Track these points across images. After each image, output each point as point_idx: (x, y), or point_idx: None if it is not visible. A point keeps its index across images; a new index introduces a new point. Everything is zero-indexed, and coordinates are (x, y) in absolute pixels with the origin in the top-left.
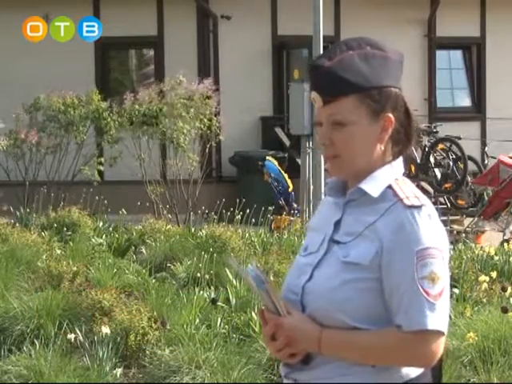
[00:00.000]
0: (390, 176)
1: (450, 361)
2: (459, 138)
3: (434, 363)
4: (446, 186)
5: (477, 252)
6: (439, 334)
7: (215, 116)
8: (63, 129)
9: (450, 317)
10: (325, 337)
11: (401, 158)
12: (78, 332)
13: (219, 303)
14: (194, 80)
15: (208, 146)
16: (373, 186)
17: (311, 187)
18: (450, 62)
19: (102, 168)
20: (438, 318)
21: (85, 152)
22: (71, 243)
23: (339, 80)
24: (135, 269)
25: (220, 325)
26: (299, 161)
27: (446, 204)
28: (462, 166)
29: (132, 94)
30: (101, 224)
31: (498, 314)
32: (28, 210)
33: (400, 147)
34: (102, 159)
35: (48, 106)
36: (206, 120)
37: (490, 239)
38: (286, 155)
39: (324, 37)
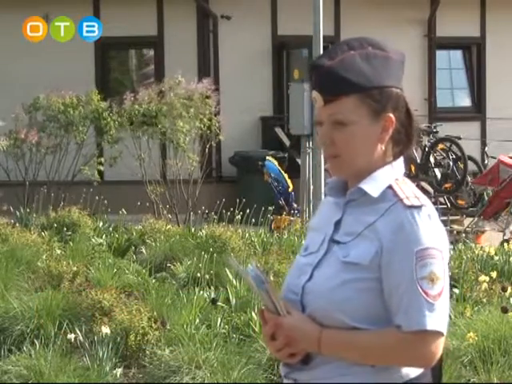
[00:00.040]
0: (391, 176)
1: (450, 361)
2: (459, 138)
3: (433, 363)
4: (446, 186)
5: (477, 252)
6: (438, 334)
7: (215, 116)
8: (63, 129)
9: (450, 317)
10: (324, 337)
11: (401, 159)
12: (78, 332)
13: (219, 303)
14: (194, 80)
15: (208, 145)
16: (373, 186)
17: (311, 187)
18: (450, 62)
19: (102, 168)
20: (438, 318)
21: (85, 152)
22: (71, 243)
23: (340, 80)
24: (135, 269)
25: (220, 325)
26: (299, 161)
27: (446, 204)
28: (462, 165)
29: (132, 94)
30: (101, 224)
31: (498, 314)
32: (28, 210)
33: (401, 147)
34: (102, 159)
35: (48, 106)
36: (205, 120)
37: (490, 239)
38: (286, 155)
39: (324, 37)
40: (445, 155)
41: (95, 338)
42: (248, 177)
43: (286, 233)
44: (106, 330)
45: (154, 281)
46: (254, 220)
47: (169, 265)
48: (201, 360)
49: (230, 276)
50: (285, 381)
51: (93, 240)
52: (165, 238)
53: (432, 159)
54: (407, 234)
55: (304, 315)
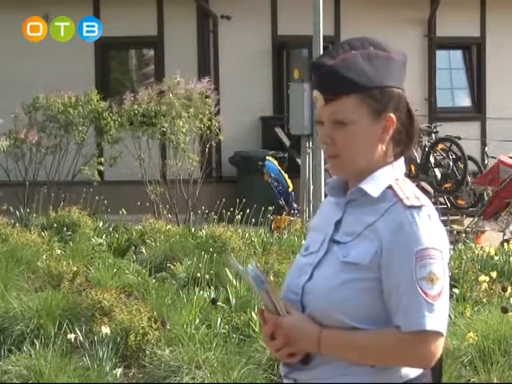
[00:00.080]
0: (391, 176)
1: (449, 361)
2: (459, 138)
3: (432, 364)
4: (446, 186)
5: (477, 252)
6: (438, 334)
7: (214, 115)
8: (63, 129)
9: (450, 317)
10: (324, 336)
11: (402, 159)
12: (78, 332)
13: (219, 303)
14: (193, 80)
15: (208, 145)
16: (373, 186)
17: (311, 187)
18: (450, 61)
19: (102, 168)
20: (437, 318)
21: (85, 152)
22: (71, 243)
23: (342, 79)
24: (135, 269)
25: (220, 325)
26: (299, 161)
27: (446, 204)
28: (462, 165)
29: (131, 94)
30: (101, 224)
31: (498, 314)
32: (28, 210)
33: (401, 148)
34: (102, 159)
35: (47, 106)
36: (205, 120)
37: (490, 239)
38: (286, 155)
39: (324, 37)
40: (445, 155)
41: (95, 338)
42: (248, 177)
43: (286, 233)
44: (106, 330)
45: (154, 281)
46: (254, 220)
47: (169, 265)
48: (201, 360)
49: (230, 276)
50: (285, 381)
51: (93, 240)
52: (165, 237)
53: (432, 159)
54: (407, 234)
55: (304, 315)
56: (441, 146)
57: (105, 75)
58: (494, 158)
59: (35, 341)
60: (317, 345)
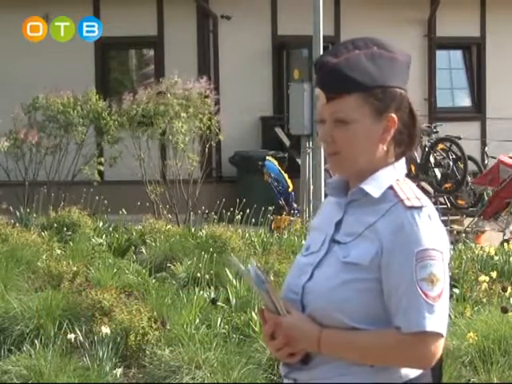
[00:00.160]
0: (392, 177)
1: (449, 361)
2: (459, 138)
3: (432, 365)
4: (446, 186)
5: (477, 252)
6: (438, 335)
7: (214, 115)
8: (63, 129)
9: (450, 317)
10: (324, 336)
11: (403, 159)
12: (78, 332)
13: (219, 303)
14: (191, 80)
15: (208, 145)
16: (374, 186)
17: (311, 187)
18: (450, 61)
19: (101, 168)
20: (437, 319)
21: (85, 152)
22: (71, 243)
23: (344, 78)
24: (135, 269)
25: (220, 325)
26: (299, 161)
27: (446, 204)
28: (462, 166)
29: (130, 94)
30: (101, 224)
31: (498, 314)
32: (28, 210)
33: (403, 148)
34: (102, 159)
35: (47, 106)
36: (205, 120)
37: (490, 239)
38: (286, 155)
39: (324, 37)
40: (445, 155)
41: (95, 338)
42: (248, 177)
43: (286, 233)
44: (106, 330)
45: (154, 281)
46: (254, 220)
47: (169, 265)
48: (201, 360)
49: (230, 276)
50: (285, 381)
51: (93, 240)
52: (165, 237)
53: (432, 159)
54: (407, 234)
55: (304, 315)
56: (441, 146)
57: (105, 75)
58: (494, 158)
59: (35, 341)
60: (317, 345)
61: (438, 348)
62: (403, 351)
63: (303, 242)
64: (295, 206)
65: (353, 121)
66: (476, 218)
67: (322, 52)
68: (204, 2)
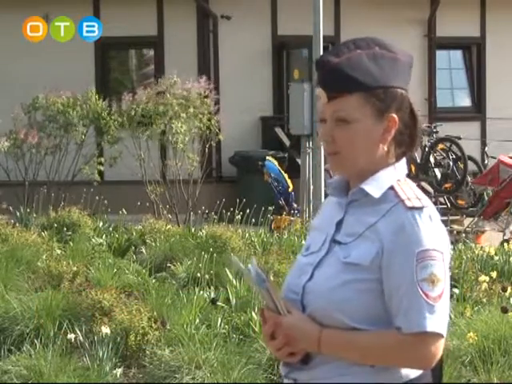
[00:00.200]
0: (393, 177)
1: (450, 361)
2: (459, 138)
3: (433, 365)
4: (446, 186)
5: (477, 252)
6: (438, 336)
7: (214, 115)
8: (63, 129)
9: (450, 317)
10: (324, 336)
11: (404, 160)
12: (78, 332)
13: (219, 303)
14: (190, 79)
15: (208, 145)
16: (374, 186)
17: (311, 187)
18: (450, 61)
19: (101, 168)
20: (438, 320)
21: (85, 152)
22: (71, 243)
23: (346, 77)
24: (135, 269)
25: (220, 325)
26: (299, 161)
27: (446, 204)
28: (462, 166)
29: (130, 94)
30: (101, 224)
31: (498, 314)
32: (28, 210)
33: (403, 149)
34: (102, 159)
35: (47, 106)
36: (205, 119)
37: (490, 239)
38: (286, 155)
39: (324, 37)
40: (445, 155)
41: (95, 338)
42: (248, 177)
43: (286, 233)
44: (106, 330)
45: (154, 281)
46: (254, 220)
47: (169, 265)
48: (201, 360)
49: (230, 276)
50: (285, 380)
51: (93, 240)
52: (165, 237)
53: (432, 159)
54: (408, 235)
55: (304, 315)
56: (441, 146)
57: (105, 75)
58: (494, 157)
59: (35, 341)
60: (317, 344)
61: (439, 348)
62: (404, 351)
63: (303, 242)
64: (295, 206)
65: (354, 120)
66: (476, 218)
67: (322, 52)
68: (204, 2)
